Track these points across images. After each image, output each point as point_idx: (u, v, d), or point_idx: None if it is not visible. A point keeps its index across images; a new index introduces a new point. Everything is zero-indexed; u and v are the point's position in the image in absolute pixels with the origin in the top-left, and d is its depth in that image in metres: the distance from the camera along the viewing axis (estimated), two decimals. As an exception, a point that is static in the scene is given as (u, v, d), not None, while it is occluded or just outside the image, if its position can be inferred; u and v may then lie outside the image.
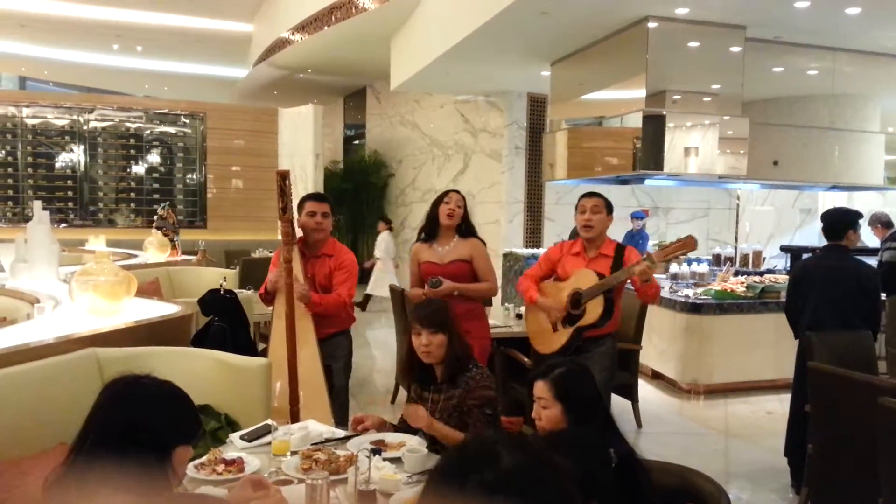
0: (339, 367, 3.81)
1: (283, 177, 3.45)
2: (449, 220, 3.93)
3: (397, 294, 5.51)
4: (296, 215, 3.73)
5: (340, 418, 3.56)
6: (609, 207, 3.78)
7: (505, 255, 8.92)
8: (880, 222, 6.42)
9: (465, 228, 4.00)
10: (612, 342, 3.81)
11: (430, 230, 4.03)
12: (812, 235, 10.12)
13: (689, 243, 3.53)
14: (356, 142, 14.39)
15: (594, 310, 3.60)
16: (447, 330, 2.72)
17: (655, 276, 7.08)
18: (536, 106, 9.64)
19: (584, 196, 3.84)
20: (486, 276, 3.97)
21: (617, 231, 8.18)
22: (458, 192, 4.05)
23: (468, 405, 2.65)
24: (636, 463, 1.89)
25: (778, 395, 6.14)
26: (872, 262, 6.56)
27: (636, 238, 8.57)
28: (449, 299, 3.69)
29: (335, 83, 13.29)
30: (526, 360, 4.35)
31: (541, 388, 2.16)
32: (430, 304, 2.90)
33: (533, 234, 9.69)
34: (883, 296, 6.33)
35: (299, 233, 3.75)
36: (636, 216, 8.82)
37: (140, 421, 1.57)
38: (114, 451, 1.51)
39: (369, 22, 8.82)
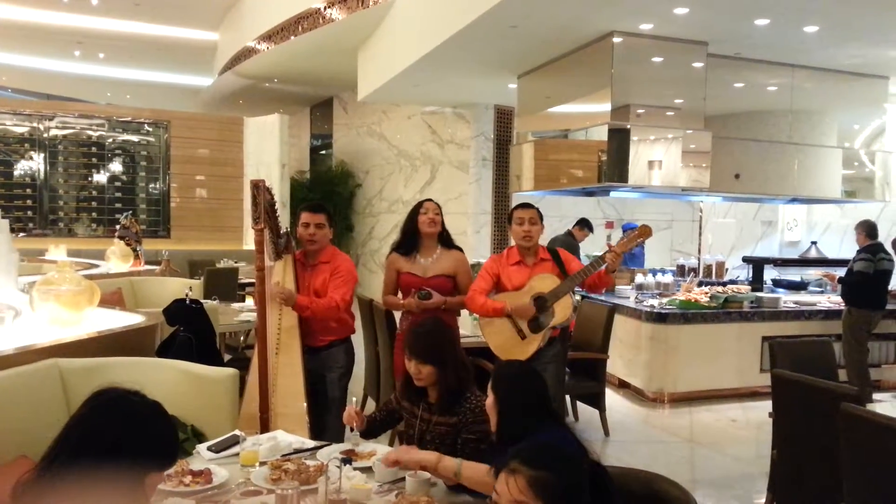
0: (334, 379, 3.68)
1: (257, 186, 3.42)
2: (431, 228, 3.92)
3: (366, 304, 5.49)
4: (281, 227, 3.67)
5: (334, 430, 3.44)
6: (540, 216, 3.96)
7: (472, 266, 8.93)
8: (865, 230, 6.43)
9: (446, 237, 4.00)
10: (564, 341, 4.01)
11: (410, 243, 3.98)
12: (772, 247, 10.35)
13: (644, 231, 3.79)
14: (323, 152, 14.34)
15: (564, 308, 3.74)
16: (438, 361, 2.62)
17: (620, 286, 7.22)
18: (503, 118, 9.72)
19: (520, 208, 3.97)
20: (468, 290, 3.98)
21: (594, 244, 8.30)
22: (431, 200, 4.04)
23: (463, 438, 2.57)
24: (602, 469, 1.91)
25: (741, 403, 6.25)
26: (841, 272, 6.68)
27: (634, 251, 8.57)
28: (430, 313, 3.70)
29: (302, 93, 13.24)
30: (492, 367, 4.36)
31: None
32: (422, 327, 2.79)
33: (500, 245, 9.74)
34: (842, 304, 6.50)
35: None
36: (628, 227, 8.77)
37: (124, 440, 1.52)
38: (91, 464, 1.46)
39: (336, 33, 8.81)
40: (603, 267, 3.73)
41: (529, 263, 3.90)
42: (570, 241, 7.81)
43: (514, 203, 9.69)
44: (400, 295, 4.06)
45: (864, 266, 6.27)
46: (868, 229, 6.43)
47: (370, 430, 2.82)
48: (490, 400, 2.26)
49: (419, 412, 2.72)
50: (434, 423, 2.65)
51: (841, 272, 6.69)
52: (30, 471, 1.52)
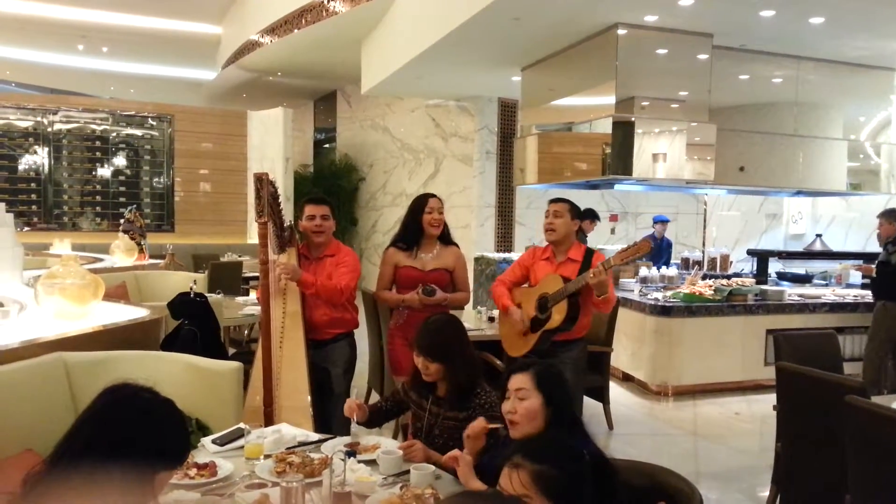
0: (339, 373, 3.69)
1: (260, 179, 3.42)
2: (436, 230, 3.88)
3: (369, 297, 5.49)
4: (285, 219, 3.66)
5: (340, 425, 3.32)
6: (573, 212, 3.86)
7: (476, 260, 8.94)
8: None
9: (446, 233, 3.98)
10: (582, 346, 3.89)
11: (412, 238, 3.92)
12: (777, 239, 10.32)
13: (643, 247, 3.61)
14: (326, 145, 14.33)
15: (558, 314, 3.67)
16: (447, 359, 2.63)
17: (624, 279, 7.18)
18: (507, 111, 9.69)
19: (550, 201, 3.94)
20: (465, 286, 3.99)
21: (600, 237, 8.27)
22: (435, 196, 3.98)
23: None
24: (607, 464, 1.91)
25: (745, 396, 6.25)
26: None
27: (662, 244, 8.55)
28: (431, 309, 3.69)
29: (305, 86, 13.22)
30: (498, 362, 4.36)
31: (520, 380, 2.20)
32: (432, 324, 2.77)
33: (504, 239, 9.73)
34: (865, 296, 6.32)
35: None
36: (659, 220, 8.74)
37: (136, 438, 1.53)
38: (99, 461, 1.47)
39: (340, 25, 8.79)
40: (589, 280, 3.52)
41: (556, 261, 3.86)
42: (579, 236, 7.77)
43: (518, 196, 9.70)
44: (394, 290, 4.02)
45: None
46: (892, 217, 6.09)
47: (374, 420, 2.82)
48: (537, 401, 2.15)
49: (427, 405, 2.72)
50: (443, 418, 2.65)
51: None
52: (39, 464, 1.53)
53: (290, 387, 3.42)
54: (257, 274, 3.60)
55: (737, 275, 7.86)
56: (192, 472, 2.22)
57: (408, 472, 2.25)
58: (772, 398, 3.72)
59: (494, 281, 4.04)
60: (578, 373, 3.87)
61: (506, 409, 2.19)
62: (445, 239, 3.99)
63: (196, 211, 12.04)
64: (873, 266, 6.33)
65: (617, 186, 7.44)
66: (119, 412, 1.56)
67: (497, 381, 3.46)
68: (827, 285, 7.80)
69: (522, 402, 2.15)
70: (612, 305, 3.87)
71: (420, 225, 3.87)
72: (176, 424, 1.64)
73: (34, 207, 11.32)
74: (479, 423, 2.33)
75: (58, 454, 1.52)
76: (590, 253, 3.81)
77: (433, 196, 3.95)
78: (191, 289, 4.27)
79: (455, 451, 2.29)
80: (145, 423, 1.56)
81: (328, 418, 3.51)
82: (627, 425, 5.41)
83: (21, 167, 11.32)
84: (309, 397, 3.41)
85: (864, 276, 7.05)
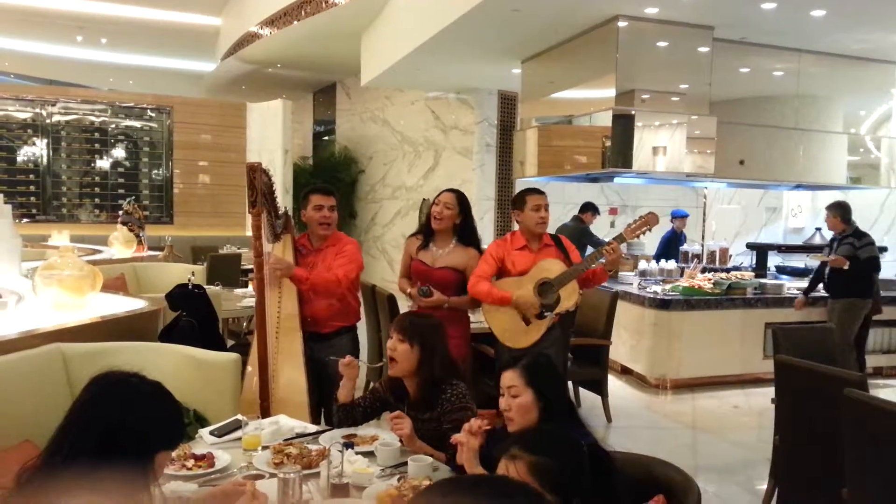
0: (336, 370, 3.65)
1: (253, 169, 3.40)
2: (437, 224, 3.85)
3: (368, 290, 5.49)
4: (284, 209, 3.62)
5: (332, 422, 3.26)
6: None
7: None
8: (840, 214, 6.10)
9: (465, 233, 3.91)
10: (561, 329, 3.98)
11: (426, 233, 3.94)
12: (776, 233, 10.31)
13: (650, 219, 3.82)
14: (326, 138, 14.30)
15: (571, 295, 3.76)
16: (419, 344, 2.57)
17: (623, 272, 7.20)
18: (507, 103, 9.67)
19: (535, 193, 3.92)
20: None
21: (598, 230, 8.26)
22: (453, 191, 3.92)
23: (444, 429, 2.49)
24: (604, 454, 1.91)
25: (744, 390, 6.25)
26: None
27: (681, 239, 8.57)
28: (433, 310, 3.66)
29: (305, 78, 13.19)
30: (491, 350, 4.36)
31: (510, 378, 2.21)
32: (418, 317, 2.76)
33: (503, 232, 9.71)
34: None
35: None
36: (678, 214, 8.73)
37: (128, 423, 1.52)
38: (96, 450, 1.47)
39: (339, 17, 8.76)
40: (601, 261, 3.75)
41: (534, 249, 3.90)
42: (581, 227, 7.77)
43: (517, 189, 9.66)
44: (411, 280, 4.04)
45: (847, 251, 6.00)
46: (844, 212, 6.08)
47: (352, 417, 2.75)
48: (528, 397, 2.16)
49: (405, 409, 2.68)
50: (422, 421, 2.60)
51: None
52: (34, 458, 1.52)
53: (286, 382, 3.40)
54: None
55: (736, 268, 7.85)
56: (190, 463, 2.22)
57: (405, 463, 2.24)
58: (770, 391, 3.72)
59: (471, 281, 3.84)
60: (562, 350, 4.05)
61: (501, 407, 2.21)
62: (466, 238, 3.92)
63: (195, 203, 12.01)
64: (845, 259, 6.11)
65: (616, 179, 7.43)
66: (109, 398, 1.56)
67: (491, 372, 3.45)
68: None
69: (515, 398, 2.18)
70: (601, 283, 4.06)
71: (430, 218, 3.92)
72: (166, 403, 1.64)
73: (33, 199, 11.29)
74: (476, 423, 2.22)
75: (53, 448, 1.51)
76: (556, 237, 3.99)
77: (448, 190, 3.94)
78: (189, 280, 4.26)
79: (460, 435, 2.26)
80: (136, 405, 1.56)
81: (327, 413, 3.48)
82: (626, 418, 5.41)
83: (20, 159, 11.28)
84: (305, 391, 3.39)
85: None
